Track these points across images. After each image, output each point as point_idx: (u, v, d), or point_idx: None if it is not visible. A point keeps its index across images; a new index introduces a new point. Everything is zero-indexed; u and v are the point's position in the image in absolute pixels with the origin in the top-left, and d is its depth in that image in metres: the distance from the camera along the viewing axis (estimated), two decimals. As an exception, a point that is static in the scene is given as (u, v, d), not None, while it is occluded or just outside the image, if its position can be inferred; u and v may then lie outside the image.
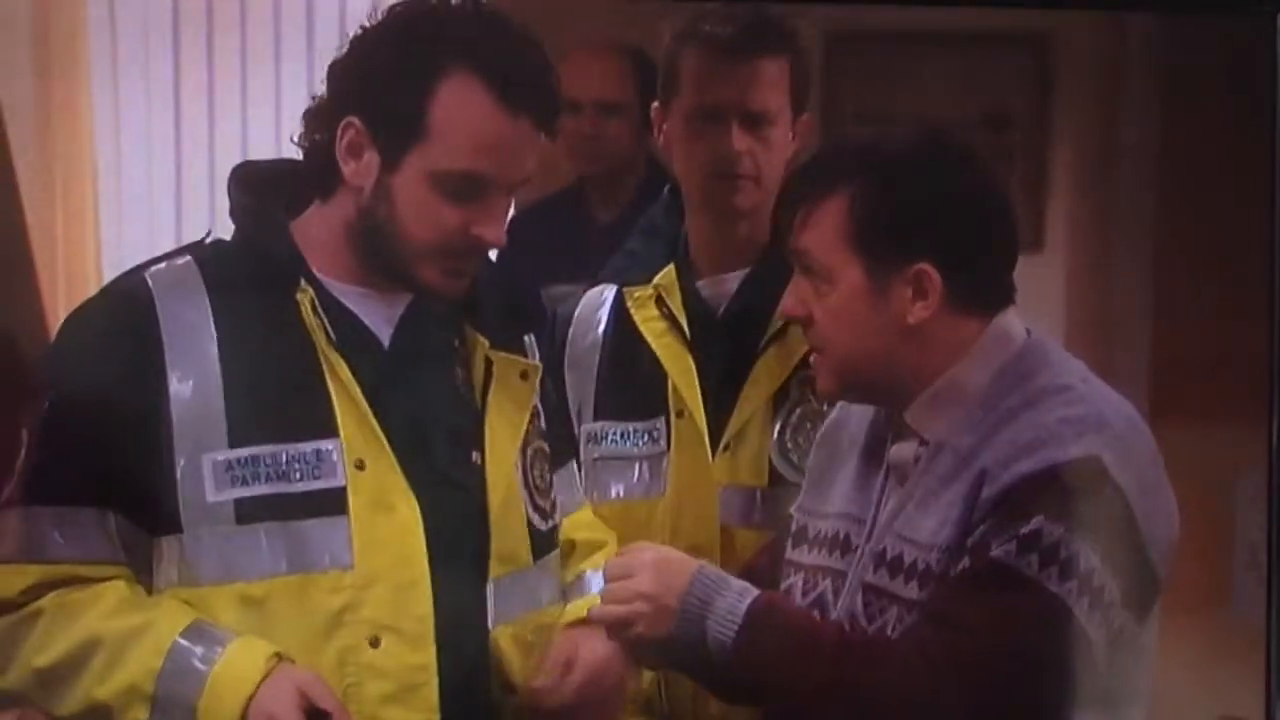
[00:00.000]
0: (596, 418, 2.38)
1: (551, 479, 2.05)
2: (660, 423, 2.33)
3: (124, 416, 1.80)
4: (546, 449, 2.03)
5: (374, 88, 1.84)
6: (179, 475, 1.80)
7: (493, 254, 2.01)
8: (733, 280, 2.35)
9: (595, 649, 1.93)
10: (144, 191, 3.68)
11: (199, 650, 1.77)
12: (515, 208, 3.36)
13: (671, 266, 2.36)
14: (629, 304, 2.37)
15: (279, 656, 1.78)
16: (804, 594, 1.95)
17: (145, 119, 3.72)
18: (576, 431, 2.39)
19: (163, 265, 1.88)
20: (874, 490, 1.93)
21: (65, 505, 1.81)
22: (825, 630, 1.85)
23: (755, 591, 1.87)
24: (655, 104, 2.36)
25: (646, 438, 2.35)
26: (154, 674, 1.77)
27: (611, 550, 2.09)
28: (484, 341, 1.95)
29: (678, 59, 2.31)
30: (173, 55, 3.76)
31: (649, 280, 2.36)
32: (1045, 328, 1.96)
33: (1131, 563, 1.79)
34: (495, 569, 1.92)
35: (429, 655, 1.84)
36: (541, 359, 2.07)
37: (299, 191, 1.92)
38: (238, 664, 1.76)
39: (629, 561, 1.91)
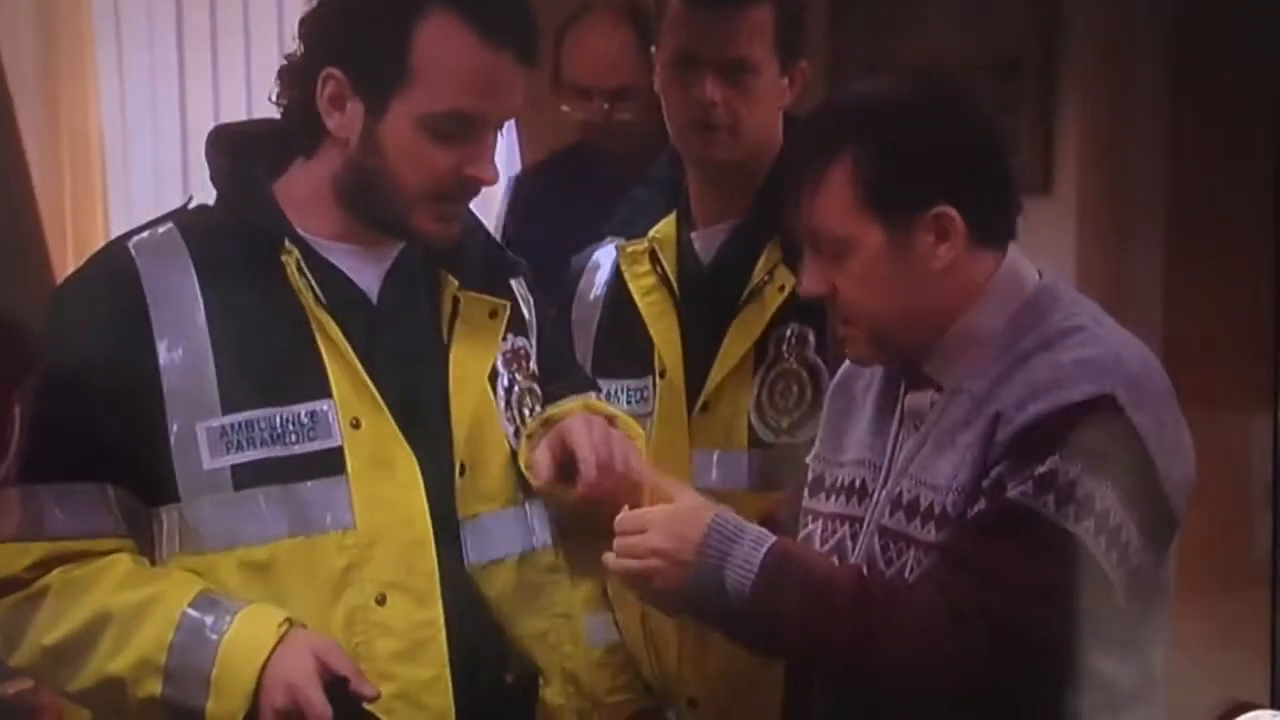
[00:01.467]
0: (593, 375, 2.35)
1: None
2: (648, 382, 2.33)
3: (115, 389, 1.79)
4: (538, 389, 2.01)
5: (352, 36, 1.82)
6: (173, 445, 1.79)
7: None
8: (721, 233, 2.33)
9: (575, 435, 1.91)
10: (150, 159, 3.68)
11: (208, 620, 1.76)
12: (523, 164, 3.35)
13: (673, 216, 2.35)
14: (621, 260, 2.35)
15: (289, 622, 1.77)
16: (822, 541, 1.95)
17: (150, 87, 3.72)
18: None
19: (145, 234, 1.87)
20: (889, 436, 1.92)
21: (65, 481, 1.80)
22: (843, 575, 1.84)
23: (772, 538, 1.86)
24: (653, 50, 2.34)
25: (637, 397, 2.34)
26: (165, 646, 1.76)
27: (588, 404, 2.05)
28: (454, 282, 1.93)
29: (664, 5, 2.28)
30: (176, 24, 3.76)
31: (645, 233, 2.35)
32: (1055, 271, 1.94)
33: (1148, 501, 1.78)
34: (473, 506, 1.91)
35: (436, 610, 1.84)
36: (536, 305, 2.05)
37: (279, 150, 1.90)
38: (249, 632, 1.75)
39: (641, 517, 1.90)
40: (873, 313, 1.85)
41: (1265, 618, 2.20)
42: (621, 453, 1.93)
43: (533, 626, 1.97)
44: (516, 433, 1.97)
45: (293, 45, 1.88)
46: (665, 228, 2.34)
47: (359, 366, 1.83)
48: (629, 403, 2.33)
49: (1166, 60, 3.02)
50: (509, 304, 1.97)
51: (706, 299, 2.31)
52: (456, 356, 1.92)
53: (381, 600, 1.82)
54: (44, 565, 1.80)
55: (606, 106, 2.87)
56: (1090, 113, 3.13)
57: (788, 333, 2.27)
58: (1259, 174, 2.50)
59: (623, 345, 2.35)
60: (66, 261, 3.31)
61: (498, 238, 2.30)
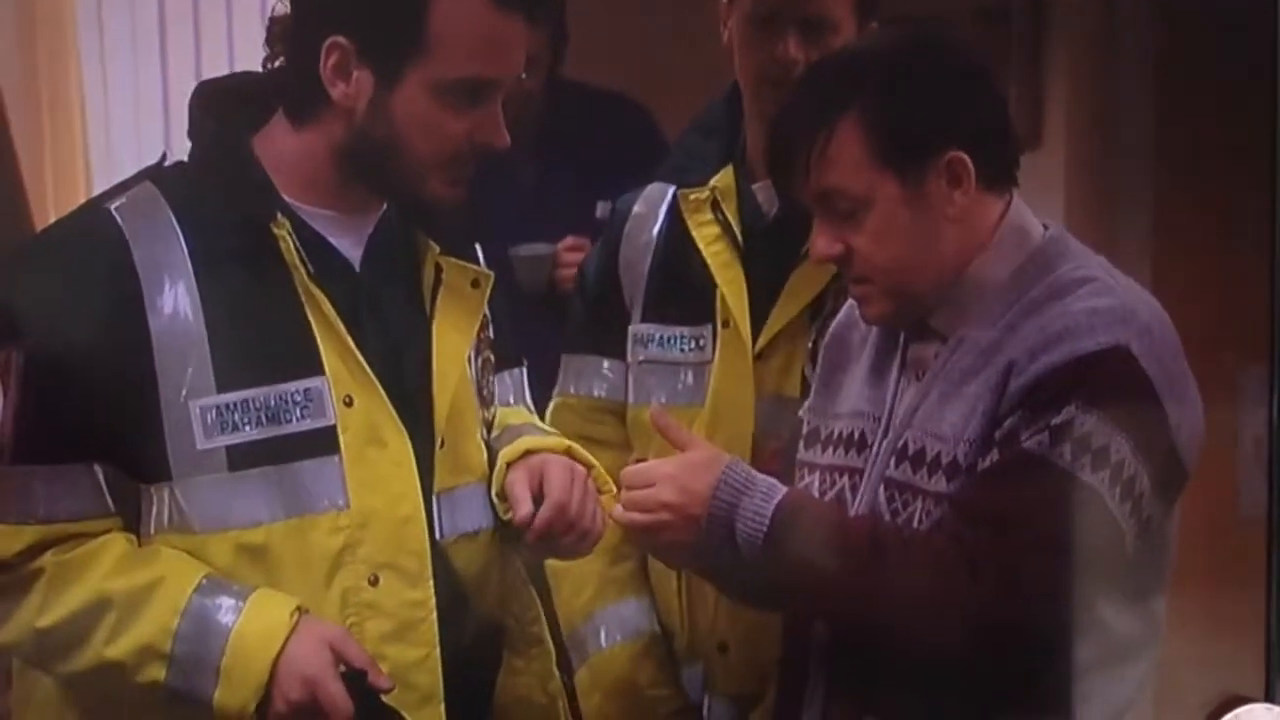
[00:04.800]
0: (644, 320, 2.35)
1: (495, 388, 2.02)
2: (707, 330, 2.31)
3: (107, 366, 1.74)
4: (493, 359, 2.00)
5: (362, 4, 1.79)
6: (165, 422, 1.75)
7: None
8: None
9: (555, 480, 1.90)
10: (132, 127, 3.66)
11: (217, 607, 1.73)
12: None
13: (730, 168, 2.32)
14: (683, 207, 2.33)
15: (300, 610, 1.74)
16: (820, 494, 1.95)
17: (132, 55, 3.69)
18: (626, 330, 2.36)
19: (124, 199, 1.81)
20: (888, 386, 1.92)
21: (57, 463, 1.76)
22: (856, 526, 1.84)
23: (781, 489, 1.86)
24: (722, 1, 2.29)
25: (693, 344, 2.32)
26: (171, 633, 1.72)
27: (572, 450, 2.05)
28: (434, 247, 1.91)
29: None
30: (157, 6, 3.74)
31: (705, 181, 2.32)
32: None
33: (1160, 452, 1.78)
34: (447, 480, 1.89)
35: (427, 590, 1.83)
36: (490, 266, 2.01)
37: (260, 107, 1.86)
38: (260, 621, 1.73)
39: (649, 470, 1.90)
40: (890, 268, 1.85)
41: (1260, 611, 2.19)
42: (592, 521, 1.91)
43: (501, 597, 1.97)
44: (483, 404, 1.96)
45: (274, 6, 1.84)
46: (724, 178, 2.32)
47: (350, 342, 1.80)
48: (682, 349, 2.32)
49: (1156, 10, 3.00)
50: (492, 274, 1.95)
51: (771, 250, 2.29)
52: (440, 328, 1.90)
53: (374, 581, 1.80)
54: (37, 549, 1.76)
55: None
56: (1078, 65, 3.11)
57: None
58: (1249, 129, 2.48)
59: (679, 292, 2.33)
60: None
61: None
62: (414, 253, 1.92)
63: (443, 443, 1.89)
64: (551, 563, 2.21)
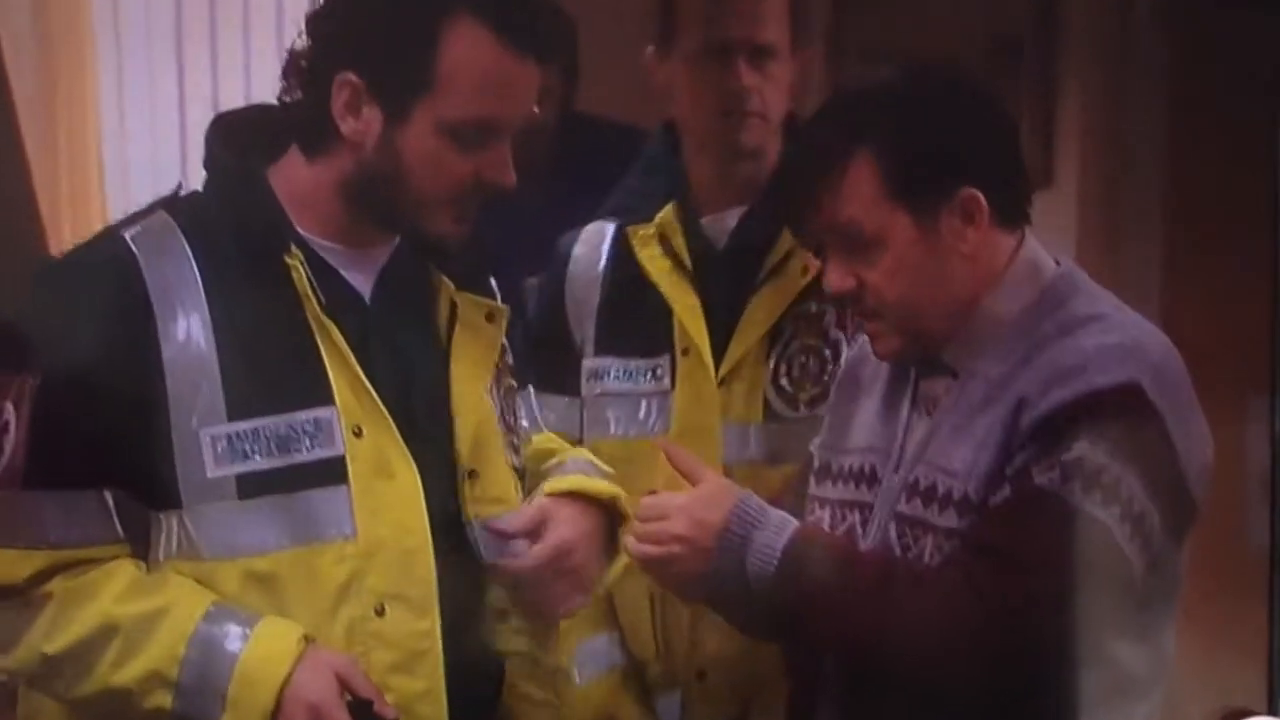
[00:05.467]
0: (598, 354, 2.38)
1: (520, 412, 2.04)
2: (664, 360, 2.33)
3: (121, 393, 1.74)
4: (515, 385, 2.02)
5: (372, 42, 1.79)
6: (176, 449, 1.75)
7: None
8: (733, 217, 2.34)
9: (563, 525, 1.91)
10: (149, 156, 3.67)
11: (223, 635, 1.73)
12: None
13: (672, 204, 2.35)
14: (633, 242, 2.36)
15: (307, 639, 1.75)
16: (831, 528, 1.95)
17: (149, 84, 3.71)
18: (577, 365, 2.39)
19: (139, 228, 1.82)
20: (899, 421, 1.93)
21: (69, 489, 1.76)
22: (867, 561, 1.85)
23: (794, 523, 1.87)
24: (649, 50, 2.34)
25: (650, 375, 2.34)
26: (177, 660, 1.73)
27: (573, 450, 2.08)
28: (449, 283, 1.92)
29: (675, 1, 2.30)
30: (174, 15, 3.75)
31: (650, 218, 2.35)
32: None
33: (1171, 489, 1.79)
34: (484, 509, 1.90)
35: (433, 621, 1.82)
36: (505, 299, 2.02)
37: (275, 139, 1.86)
38: (266, 648, 1.73)
39: (662, 503, 1.91)
40: (902, 303, 1.86)
41: (1263, 624, 2.20)
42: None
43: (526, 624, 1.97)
44: (508, 430, 1.97)
45: (293, 40, 1.85)
46: (668, 214, 2.35)
47: (359, 372, 1.81)
48: (642, 380, 2.35)
49: (1167, 48, 3.02)
50: (508, 308, 1.96)
51: (724, 279, 2.32)
52: (458, 363, 1.91)
53: (380, 611, 1.80)
54: (46, 574, 1.77)
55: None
56: (1090, 101, 3.13)
57: (808, 309, 2.30)
58: (1259, 165, 2.50)
59: (633, 324, 2.36)
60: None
61: None
62: (428, 287, 1.93)
63: (473, 473, 1.90)
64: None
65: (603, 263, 2.40)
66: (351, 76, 1.78)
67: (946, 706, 1.78)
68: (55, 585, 1.76)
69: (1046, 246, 1.94)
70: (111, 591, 1.75)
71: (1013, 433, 1.78)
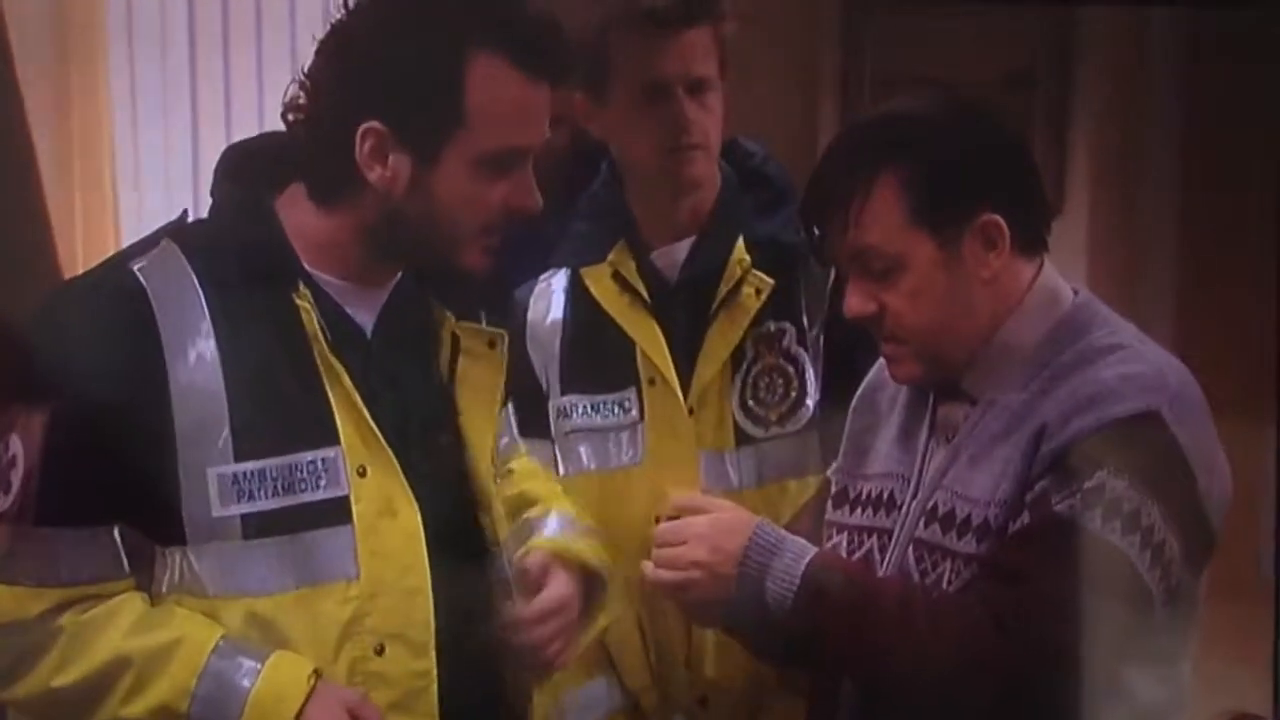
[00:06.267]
0: (565, 393, 2.40)
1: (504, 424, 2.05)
2: (631, 393, 2.36)
3: (130, 428, 1.74)
4: (511, 416, 2.04)
5: (395, 89, 1.77)
6: (182, 487, 1.75)
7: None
8: (682, 249, 2.37)
9: (562, 583, 1.95)
10: (160, 167, 3.68)
11: (234, 669, 1.74)
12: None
13: (622, 242, 2.38)
14: (588, 281, 2.39)
15: (317, 674, 1.75)
16: (849, 553, 1.96)
17: (161, 98, 3.71)
18: (546, 409, 2.41)
19: (147, 260, 1.80)
20: (918, 448, 1.94)
21: (79, 525, 1.76)
22: (887, 587, 1.85)
23: (812, 550, 1.88)
24: (577, 95, 2.35)
25: (618, 409, 2.37)
26: (188, 694, 1.73)
27: (555, 501, 2.10)
28: (450, 317, 1.93)
29: (607, 43, 2.31)
30: (188, 26, 3.75)
31: (602, 258, 2.38)
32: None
33: (1190, 518, 1.79)
34: (492, 546, 1.93)
35: (430, 660, 1.82)
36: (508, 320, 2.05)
37: (283, 169, 1.86)
38: (278, 683, 1.73)
39: (681, 529, 1.91)
40: (922, 328, 1.87)
41: (1269, 628, 2.20)
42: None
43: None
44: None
45: (305, 56, 1.84)
46: (619, 253, 2.38)
47: (365, 413, 1.80)
48: (610, 415, 2.37)
49: (1179, 76, 3.02)
50: (506, 333, 1.96)
51: (681, 310, 2.36)
52: (464, 395, 1.92)
53: (380, 650, 1.80)
54: (56, 611, 1.76)
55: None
56: (1103, 132, 3.13)
57: (767, 330, 2.33)
58: (1272, 193, 2.50)
59: (597, 360, 2.39)
60: (77, 269, 3.29)
61: None
62: (429, 320, 1.93)
63: (489, 506, 1.92)
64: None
65: (561, 307, 2.43)
66: (376, 125, 1.77)
67: None
68: (65, 620, 1.76)
69: (1059, 274, 1.94)
70: (122, 625, 1.75)
71: (1032, 461, 1.79)
